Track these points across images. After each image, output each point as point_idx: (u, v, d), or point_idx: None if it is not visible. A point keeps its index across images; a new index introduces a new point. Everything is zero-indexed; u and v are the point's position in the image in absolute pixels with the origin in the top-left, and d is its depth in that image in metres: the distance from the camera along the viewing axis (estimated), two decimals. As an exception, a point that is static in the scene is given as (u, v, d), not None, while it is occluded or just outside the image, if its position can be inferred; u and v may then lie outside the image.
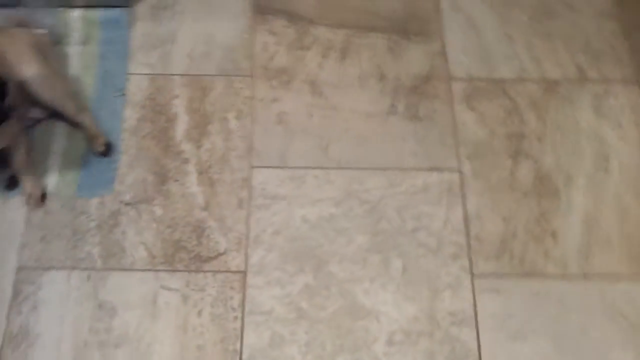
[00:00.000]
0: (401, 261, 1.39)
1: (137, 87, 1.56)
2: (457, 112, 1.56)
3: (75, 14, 1.64)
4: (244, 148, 1.49)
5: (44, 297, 1.33)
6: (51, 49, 1.55)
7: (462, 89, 1.59)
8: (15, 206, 1.43)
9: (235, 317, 1.32)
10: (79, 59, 1.59)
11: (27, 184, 1.43)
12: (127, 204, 1.43)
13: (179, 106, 1.54)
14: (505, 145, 1.53)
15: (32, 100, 1.43)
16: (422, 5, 1.70)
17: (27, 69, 1.40)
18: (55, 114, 1.49)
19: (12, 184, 1.44)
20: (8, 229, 1.40)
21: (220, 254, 1.38)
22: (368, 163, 1.49)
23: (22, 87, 1.40)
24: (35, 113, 1.48)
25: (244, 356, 1.29)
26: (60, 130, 1.51)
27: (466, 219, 1.44)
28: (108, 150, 1.48)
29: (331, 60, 1.61)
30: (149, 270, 1.36)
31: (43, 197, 1.44)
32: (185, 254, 1.38)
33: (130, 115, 1.53)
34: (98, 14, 1.63)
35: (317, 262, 1.38)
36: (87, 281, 1.35)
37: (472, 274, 1.38)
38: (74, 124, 1.50)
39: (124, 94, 1.54)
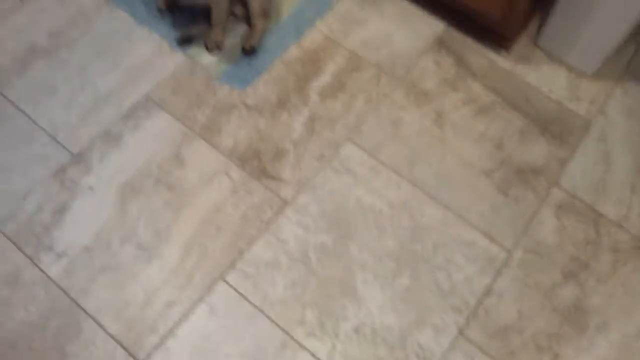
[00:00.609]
0: (410, 281, 1.48)
1: (313, 37, 1.83)
2: (543, 211, 1.62)
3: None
4: (353, 123, 1.68)
5: (145, 124, 1.62)
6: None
7: (560, 198, 1.64)
8: (175, 58, 1.74)
9: (259, 228, 1.50)
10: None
11: (216, 33, 1.73)
12: (245, 105, 1.68)
13: (330, 68, 1.78)
14: (564, 263, 1.55)
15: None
16: (573, 119, 1.78)
17: None
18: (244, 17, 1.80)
19: (185, 41, 1.76)
20: (159, 69, 1.71)
21: (280, 179, 1.57)
22: (438, 195, 1.60)
23: None
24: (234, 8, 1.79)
25: (243, 257, 1.46)
26: (238, 29, 1.81)
27: (488, 290, 1.49)
28: (252, 52, 1.75)
29: (467, 109, 1.75)
30: (226, 155, 1.59)
31: (221, 46, 1.75)
32: (257, 162, 1.59)
33: (293, 52, 1.79)
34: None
35: (344, 234, 1.52)
36: (182, 135, 1.61)
37: (461, 333, 1.42)
38: (248, 23, 1.76)
39: (300, 35, 1.82)
